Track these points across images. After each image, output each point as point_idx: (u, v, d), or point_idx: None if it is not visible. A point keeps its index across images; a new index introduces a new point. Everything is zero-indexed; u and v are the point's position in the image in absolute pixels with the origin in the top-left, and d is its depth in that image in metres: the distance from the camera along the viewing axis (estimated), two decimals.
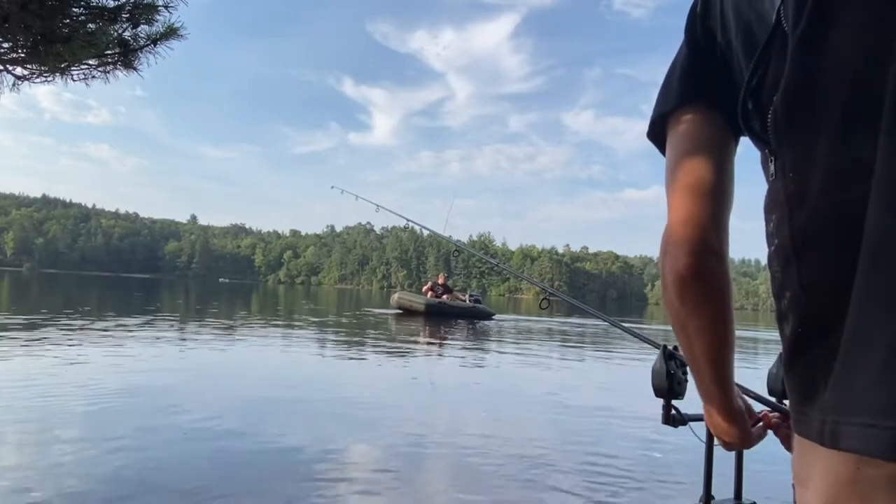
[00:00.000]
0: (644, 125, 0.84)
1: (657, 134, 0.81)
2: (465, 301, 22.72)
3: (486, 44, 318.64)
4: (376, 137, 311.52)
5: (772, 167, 0.67)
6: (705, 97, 0.76)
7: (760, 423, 0.97)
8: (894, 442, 0.52)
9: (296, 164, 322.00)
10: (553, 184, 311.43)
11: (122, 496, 3.24)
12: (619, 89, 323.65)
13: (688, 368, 0.89)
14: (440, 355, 11.43)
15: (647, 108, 0.84)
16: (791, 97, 0.62)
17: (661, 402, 1.08)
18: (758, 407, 1.01)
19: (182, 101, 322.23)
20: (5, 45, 3.59)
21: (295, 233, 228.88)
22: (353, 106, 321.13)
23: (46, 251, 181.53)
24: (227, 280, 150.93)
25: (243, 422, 5.05)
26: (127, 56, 3.93)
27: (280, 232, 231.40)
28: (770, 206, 0.67)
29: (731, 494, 1.25)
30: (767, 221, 0.67)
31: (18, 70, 3.80)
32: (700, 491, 1.20)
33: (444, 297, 22.06)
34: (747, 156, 0.85)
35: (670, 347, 1.07)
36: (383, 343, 12.80)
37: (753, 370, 9.27)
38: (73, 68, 3.89)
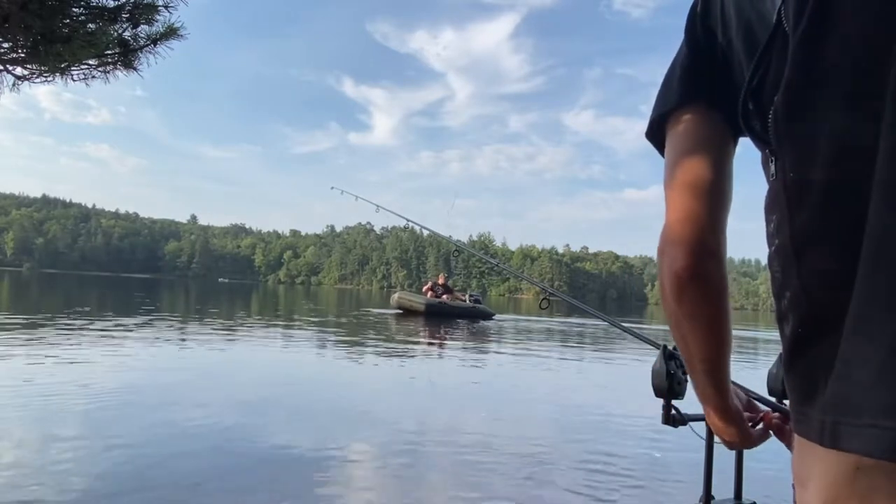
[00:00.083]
0: (644, 125, 0.83)
1: (656, 134, 0.81)
2: (465, 301, 22.73)
3: (486, 44, 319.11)
4: (376, 137, 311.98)
5: (772, 167, 0.67)
6: (705, 97, 0.76)
7: (761, 424, 0.97)
8: (894, 442, 0.52)
9: (296, 164, 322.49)
10: (553, 184, 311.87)
11: (121, 494, 3.24)
12: (619, 89, 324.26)
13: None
14: (440, 355, 11.43)
15: (647, 108, 0.83)
16: (792, 97, 0.62)
17: (660, 402, 1.08)
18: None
19: (182, 101, 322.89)
20: (5, 45, 3.59)
21: (295, 233, 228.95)
22: (353, 106, 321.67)
23: (46, 251, 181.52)
24: (226, 280, 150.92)
25: (243, 421, 5.05)
26: (127, 56, 3.93)
27: (280, 232, 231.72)
28: (770, 207, 0.67)
29: (731, 494, 1.25)
30: (768, 222, 0.67)
31: (18, 70, 3.80)
32: (700, 490, 1.20)
33: (444, 297, 22.06)
34: (747, 156, 0.85)
35: (670, 347, 1.07)
36: (383, 343, 12.79)
37: (753, 370, 9.27)
38: (73, 68, 3.89)
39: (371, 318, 21.02)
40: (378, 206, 4.76)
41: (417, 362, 10.01)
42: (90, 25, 3.74)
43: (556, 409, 6.50)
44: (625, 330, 1.60)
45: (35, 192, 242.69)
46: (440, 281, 23.08)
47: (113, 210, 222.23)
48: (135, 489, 3.35)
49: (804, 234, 0.61)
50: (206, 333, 12.33)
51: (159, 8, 3.81)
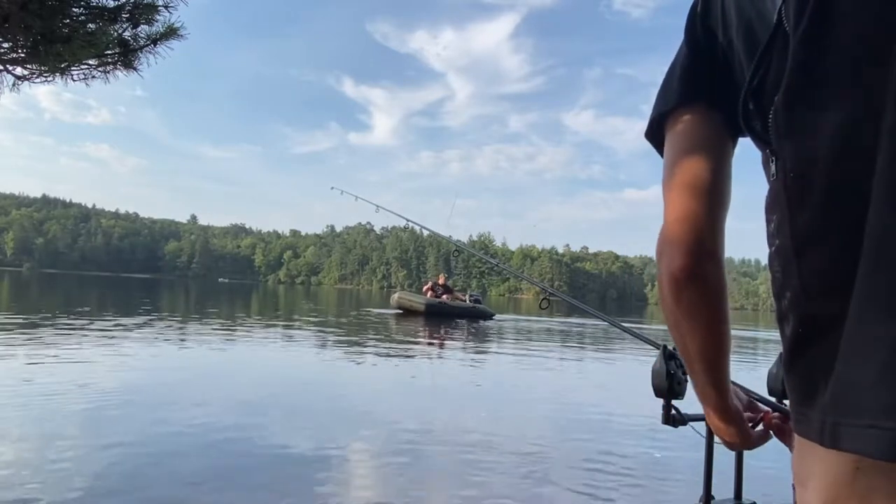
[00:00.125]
0: (644, 125, 0.83)
1: (655, 134, 0.81)
2: (465, 301, 22.74)
3: (486, 44, 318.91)
4: (376, 137, 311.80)
5: (773, 167, 0.67)
6: (705, 97, 0.76)
7: (761, 424, 0.97)
8: (894, 443, 0.52)
9: (296, 164, 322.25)
10: (553, 184, 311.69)
11: (120, 493, 3.24)
12: (619, 89, 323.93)
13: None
14: (440, 355, 11.43)
15: (647, 108, 0.83)
16: (792, 97, 0.62)
17: (660, 401, 1.08)
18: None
19: (182, 101, 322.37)
20: (5, 45, 3.60)
21: (295, 233, 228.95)
22: (353, 106, 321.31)
23: (46, 251, 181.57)
24: (226, 280, 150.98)
25: (242, 421, 5.05)
26: (127, 56, 3.93)
27: (280, 232, 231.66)
28: (771, 207, 0.67)
29: (731, 494, 1.25)
30: (768, 222, 0.67)
31: (18, 70, 3.80)
32: (700, 490, 1.20)
33: (445, 297, 22.07)
34: (746, 156, 0.85)
35: (670, 347, 1.07)
36: (383, 343, 12.80)
37: (753, 370, 9.27)
38: (73, 68, 3.89)
39: (371, 318, 21.02)
40: (378, 206, 4.76)
41: (417, 362, 10.01)
42: (90, 25, 3.75)
43: (556, 409, 6.50)
44: (625, 330, 1.60)
45: (35, 192, 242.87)
46: (440, 281, 23.09)
47: (113, 210, 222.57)
48: (134, 488, 3.35)
49: (805, 234, 0.61)
50: (206, 333, 12.33)
51: (159, 8, 3.81)
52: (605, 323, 1.67)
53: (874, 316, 0.54)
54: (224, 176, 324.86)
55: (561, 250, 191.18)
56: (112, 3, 3.76)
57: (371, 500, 3.49)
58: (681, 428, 1.11)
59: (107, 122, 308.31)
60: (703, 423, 1.06)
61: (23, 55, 3.68)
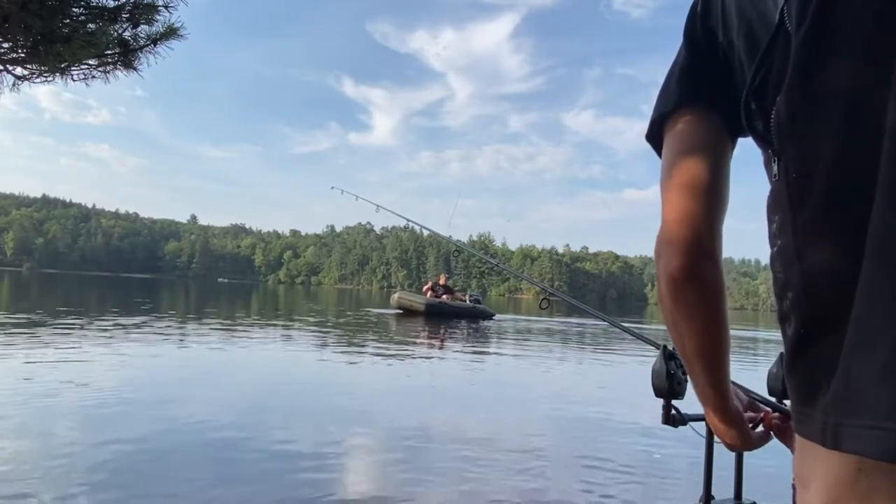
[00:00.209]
0: (644, 125, 0.83)
1: (655, 135, 0.81)
2: (465, 301, 22.75)
3: (486, 44, 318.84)
4: (376, 137, 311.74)
5: (775, 168, 0.66)
6: (704, 98, 0.76)
7: (762, 425, 0.97)
8: None
9: (296, 164, 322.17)
10: (553, 184, 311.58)
11: (118, 490, 3.24)
12: (619, 89, 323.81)
13: None
14: (440, 355, 11.43)
15: (647, 108, 0.83)
16: (794, 97, 0.62)
17: (660, 401, 1.08)
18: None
19: (182, 101, 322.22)
20: (5, 45, 3.59)
21: (295, 233, 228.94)
22: (353, 106, 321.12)
23: (46, 251, 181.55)
24: (226, 280, 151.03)
25: (241, 420, 5.05)
26: (127, 56, 3.93)
27: (280, 232, 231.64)
28: (773, 207, 0.67)
29: (731, 494, 1.26)
30: (770, 222, 0.67)
31: (18, 70, 3.80)
32: (700, 491, 1.20)
33: (445, 297, 22.09)
34: (746, 156, 0.85)
35: (670, 347, 1.07)
36: (383, 343, 12.80)
37: (753, 370, 9.27)
38: (73, 68, 3.89)
39: (371, 318, 21.02)
40: (378, 206, 4.77)
41: (417, 362, 10.01)
42: (90, 25, 3.74)
43: (556, 409, 6.50)
44: (625, 330, 1.60)
45: (35, 192, 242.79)
46: (441, 281, 23.11)
47: (113, 210, 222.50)
48: (133, 486, 3.35)
49: (807, 234, 0.61)
50: (206, 333, 12.33)
51: (159, 8, 3.81)
52: (605, 323, 1.67)
53: (877, 316, 0.54)
54: (224, 176, 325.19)
55: (561, 250, 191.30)
56: (112, 3, 3.76)
57: (370, 496, 3.49)
58: (681, 428, 1.11)
59: (107, 122, 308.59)
60: (703, 423, 1.06)
61: (23, 55, 3.68)
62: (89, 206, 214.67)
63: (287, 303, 33.51)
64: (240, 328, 14.27)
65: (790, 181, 0.63)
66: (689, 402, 1.02)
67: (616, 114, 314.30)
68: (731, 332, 0.80)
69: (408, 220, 4.03)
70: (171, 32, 3.88)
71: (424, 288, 23.26)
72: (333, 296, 57.64)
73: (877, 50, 0.57)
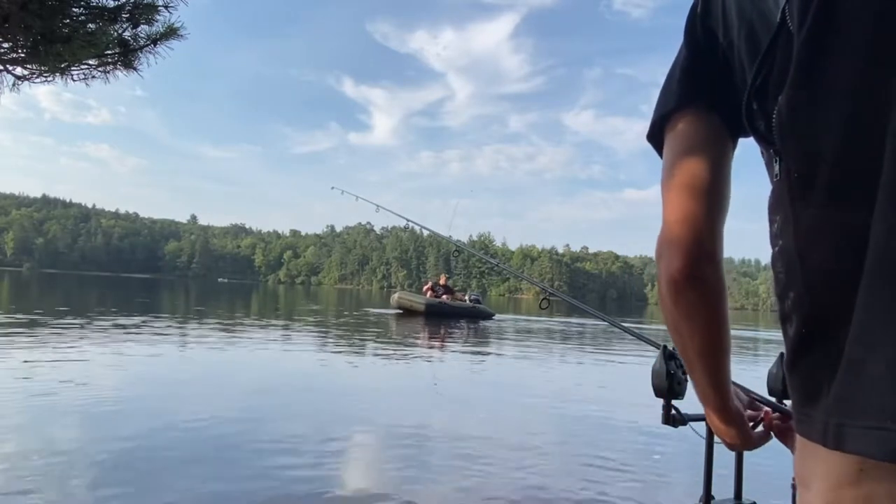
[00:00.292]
0: (644, 125, 0.83)
1: (657, 136, 0.81)
2: (465, 301, 22.75)
3: (486, 44, 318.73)
4: (376, 137, 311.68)
5: (776, 168, 0.66)
6: (705, 99, 0.76)
7: (762, 425, 0.97)
8: None
9: (296, 164, 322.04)
10: (553, 184, 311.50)
11: (117, 487, 3.24)
12: (619, 89, 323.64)
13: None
14: (440, 356, 11.43)
15: (647, 108, 0.83)
16: (796, 97, 0.62)
17: (660, 401, 1.08)
18: None
19: (182, 101, 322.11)
20: (5, 45, 3.60)
21: (295, 233, 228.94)
22: (353, 106, 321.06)
23: (46, 251, 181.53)
24: (226, 280, 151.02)
25: (240, 420, 5.05)
26: (127, 56, 3.93)
27: (280, 232, 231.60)
28: (774, 207, 0.66)
29: (731, 494, 1.26)
30: (771, 222, 0.67)
31: (18, 70, 3.80)
32: (700, 491, 1.20)
33: (445, 297, 22.09)
34: (747, 156, 0.85)
35: (670, 347, 1.07)
36: (383, 343, 12.80)
37: (753, 370, 9.28)
38: (73, 68, 3.89)
39: (371, 318, 21.02)
40: (378, 206, 4.77)
41: (417, 362, 10.01)
42: (90, 25, 3.75)
43: (556, 409, 6.50)
44: (625, 330, 1.60)
45: (35, 192, 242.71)
46: (441, 281, 23.12)
47: (113, 210, 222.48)
48: (132, 484, 3.35)
49: (808, 234, 0.61)
50: (205, 333, 12.33)
51: (159, 8, 3.81)
52: (605, 323, 1.67)
53: (879, 317, 0.54)
54: (224, 176, 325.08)
55: (561, 250, 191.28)
56: (112, 3, 3.76)
57: (369, 493, 3.49)
58: (681, 428, 1.11)
59: (107, 122, 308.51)
60: (703, 423, 1.06)
61: (23, 55, 3.68)
62: (89, 206, 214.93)
63: (287, 303, 33.51)
64: (239, 328, 14.27)
65: (792, 181, 0.63)
66: (689, 402, 1.02)
67: (616, 114, 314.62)
68: (731, 332, 0.80)
69: (408, 220, 4.03)
70: (171, 32, 3.88)
71: (424, 288, 23.26)
72: (333, 296, 57.64)
73: (878, 50, 0.57)
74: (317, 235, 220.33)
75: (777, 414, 0.98)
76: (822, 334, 0.60)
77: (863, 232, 0.56)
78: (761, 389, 1.10)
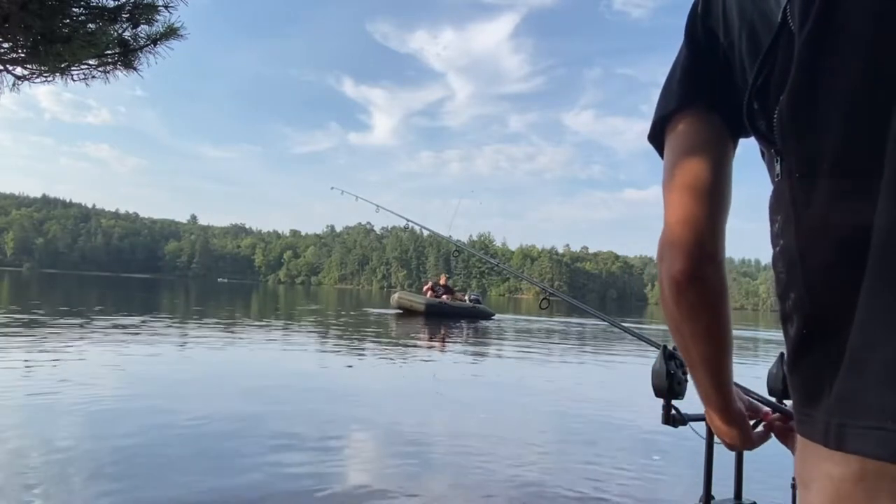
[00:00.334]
0: (644, 125, 0.84)
1: (658, 137, 0.81)
2: (465, 301, 22.76)
3: (486, 44, 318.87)
4: (376, 137, 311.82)
5: (777, 168, 0.66)
6: (705, 99, 0.76)
7: (762, 425, 0.97)
8: None
9: (296, 164, 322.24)
10: (553, 184, 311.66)
11: (115, 484, 3.24)
12: (619, 89, 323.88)
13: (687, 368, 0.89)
14: (440, 356, 11.43)
15: (647, 108, 0.84)
16: (797, 97, 0.62)
17: (660, 401, 1.08)
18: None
19: (182, 101, 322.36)
20: (5, 45, 3.59)
21: (295, 233, 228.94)
22: (353, 106, 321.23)
23: (46, 251, 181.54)
24: (226, 280, 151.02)
25: (239, 420, 5.04)
26: (127, 56, 3.93)
27: (280, 232, 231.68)
28: (775, 207, 0.66)
29: (731, 494, 1.26)
30: (772, 222, 0.67)
31: (18, 70, 3.80)
32: (700, 491, 1.20)
33: (445, 297, 22.10)
34: (747, 156, 0.85)
35: (670, 347, 1.07)
36: (383, 343, 12.80)
37: (753, 370, 9.28)
38: (73, 68, 3.89)
39: (371, 318, 21.02)
40: (378, 206, 4.77)
41: (417, 363, 10.01)
42: (90, 25, 3.74)
43: (556, 409, 6.50)
44: (625, 330, 1.60)
45: (35, 192, 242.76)
46: (441, 281, 23.12)
47: (113, 210, 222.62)
48: (131, 481, 3.35)
49: (810, 234, 0.61)
50: (205, 333, 12.33)
51: (159, 8, 3.81)
52: (605, 323, 1.67)
53: (881, 317, 0.54)
54: (224, 176, 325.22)
55: (561, 250, 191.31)
56: (112, 3, 3.76)
57: (369, 490, 3.49)
58: (681, 428, 1.11)
59: (107, 122, 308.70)
60: (702, 424, 1.06)
61: (23, 55, 3.68)
62: (89, 206, 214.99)
63: (287, 303, 33.50)
64: (239, 328, 14.26)
65: (793, 181, 0.62)
66: (689, 402, 1.02)
67: (616, 114, 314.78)
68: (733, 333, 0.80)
69: (408, 220, 4.03)
70: (171, 32, 3.88)
71: (424, 288, 23.26)
72: (333, 296, 57.64)
73: (879, 50, 0.57)
74: (317, 235, 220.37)
75: (777, 414, 0.98)
76: (823, 334, 0.59)
77: (865, 232, 0.56)
78: (761, 389, 1.10)
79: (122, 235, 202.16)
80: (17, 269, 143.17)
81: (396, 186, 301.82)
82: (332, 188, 6.36)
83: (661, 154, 0.80)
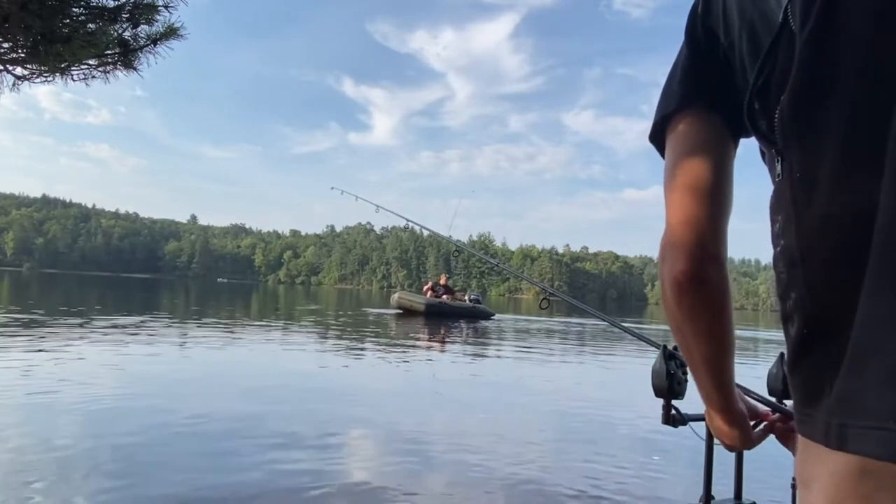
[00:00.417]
0: (644, 125, 0.84)
1: (658, 137, 0.81)
2: (465, 301, 22.76)
3: (485, 44, 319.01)
4: (376, 137, 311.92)
5: (778, 167, 0.66)
6: (705, 99, 0.76)
7: (762, 425, 0.97)
8: None
9: (296, 164, 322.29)
10: (553, 184, 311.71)
11: (115, 481, 3.24)
12: (619, 89, 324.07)
13: (688, 369, 0.89)
14: (439, 356, 11.43)
15: (647, 108, 0.84)
16: (798, 97, 0.62)
17: (660, 401, 1.08)
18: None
19: (182, 101, 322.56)
20: (5, 45, 3.59)
21: (295, 233, 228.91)
22: (353, 106, 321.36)
23: (46, 251, 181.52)
24: (226, 280, 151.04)
25: (239, 420, 5.04)
26: (127, 56, 3.93)
27: (280, 232, 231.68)
28: (776, 207, 0.66)
29: (731, 494, 1.26)
30: (773, 222, 0.67)
31: (18, 70, 3.79)
32: (700, 491, 1.20)
33: (445, 297, 22.10)
34: (748, 156, 0.85)
35: (670, 347, 1.07)
36: (383, 343, 12.79)
37: (754, 370, 9.28)
38: (73, 68, 3.89)
39: (371, 318, 21.01)
40: (378, 206, 4.77)
41: (417, 363, 10.00)
42: (90, 25, 3.74)
43: (556, 409, 6.50)
44: (625, 330, 1.60)
45: (35, 192, 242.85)
46: (441, 281, 23.13)
47: (113, 210, 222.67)
48: (130, 478, 3.35)
49: (811, 234, 0.61)
50: (205, 333, 12.32)
51: (159, 8, 3.81)
52: (605, 323, 1.67)
53: (881, 317, 0.54)
54: (224, 176, 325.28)
55: (561, 250, 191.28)
56: (112, 3, 3.76)
57: (369, 488, 3.49)
58: (681, 428, 1.11)
59: (107, 122, 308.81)
60: (702, 424, 1.06)
61: (23, 55, 3.68)
62: (89, 206, 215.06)
63: (287, 303, 33.49)
64: (239, 328, 14.26)
65: (794, 181, 0.62)
66: (690, 402, 1.02)
67: (616, 114, 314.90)
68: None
69: (408, 221, 4.03)
70: (171, 32, 3.88)
71: (424, 288, 23.27)
72: (333, 296, 57.62)
73: (879, 50, 0.57)
74: (317, 235, 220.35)
75: (777, 415, 0.98)
76: (823, 334, 0.59)
77: (866, 231, 0.56)
78: (761, 389, 1.10)
79: (122, 235, 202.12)
80: (17, 269, 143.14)
81: (396, 186, 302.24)
82: (332, 188, 6.37)
83: (662, 154, 0.80)
